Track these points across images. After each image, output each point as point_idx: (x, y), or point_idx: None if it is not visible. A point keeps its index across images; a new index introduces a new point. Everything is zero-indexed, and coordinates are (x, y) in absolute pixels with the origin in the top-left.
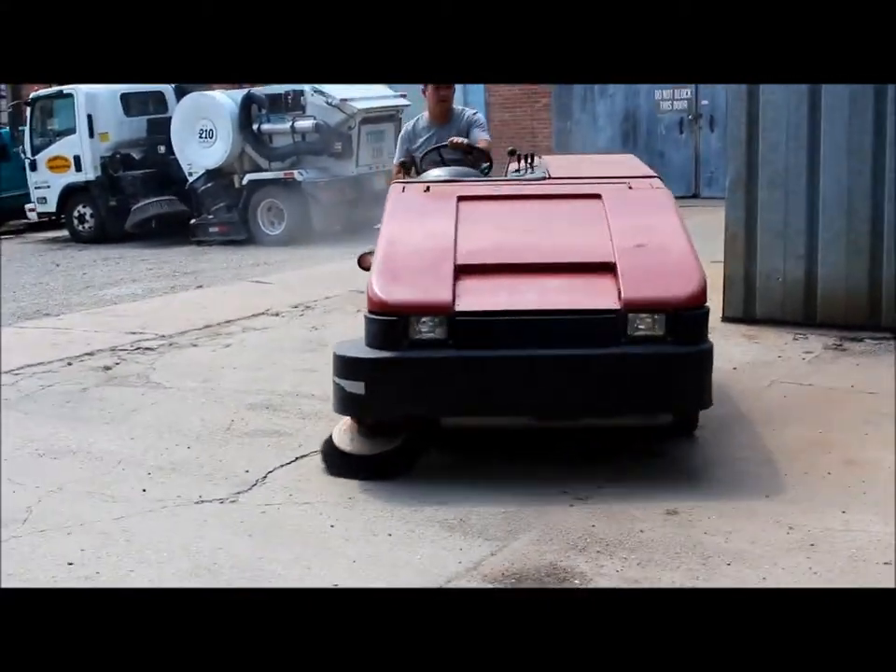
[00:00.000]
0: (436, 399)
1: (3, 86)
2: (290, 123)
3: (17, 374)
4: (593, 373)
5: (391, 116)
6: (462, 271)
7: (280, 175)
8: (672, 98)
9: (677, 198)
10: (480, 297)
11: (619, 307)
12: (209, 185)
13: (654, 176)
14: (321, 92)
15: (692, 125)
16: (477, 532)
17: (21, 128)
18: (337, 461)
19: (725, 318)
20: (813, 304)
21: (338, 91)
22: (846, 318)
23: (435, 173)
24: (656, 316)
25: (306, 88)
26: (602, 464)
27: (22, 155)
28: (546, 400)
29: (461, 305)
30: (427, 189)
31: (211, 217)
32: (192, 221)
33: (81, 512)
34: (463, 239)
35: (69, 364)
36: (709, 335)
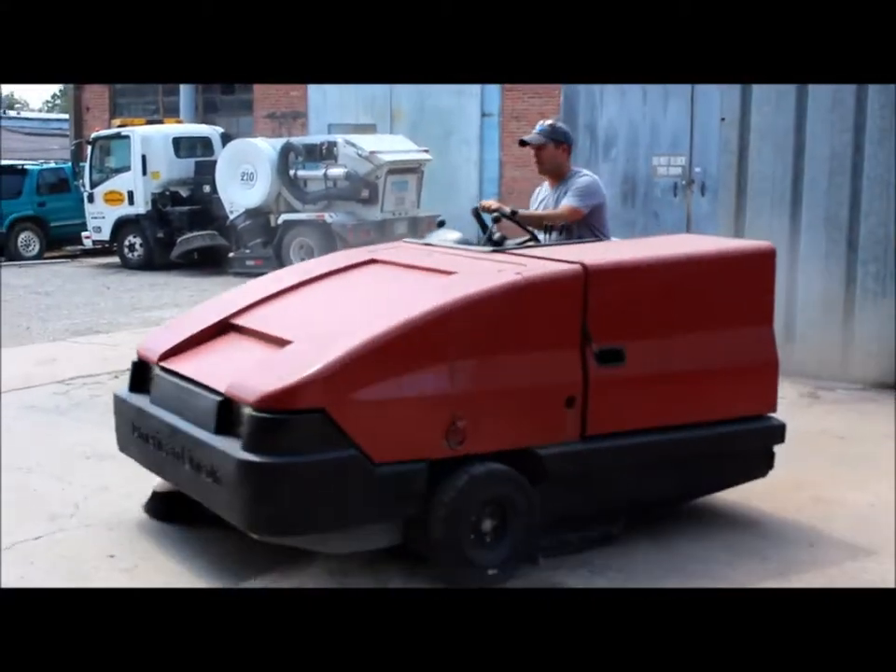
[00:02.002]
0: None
1: (66, 126)
2: (323, 170)
3: (68, 384)
4: (195, 458)
5: (414, 168)
6: (217, 331)
7: (312, 216)
8: (668, 164)
9: None
10: (182, 355)
11: (224, 393)
12: (248, 222)
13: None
14: (353, 144)
15: (685, 189)
16: None
17: (81, 164)
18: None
19: None
20: (790, 355)
21: (367, 143)
22: (819, 369)
23: (436, 236)
24: (245, 411)
25: (339, 140)
26: None
27: (81, 188)
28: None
29: (158, 359)
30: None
31: (248, 251)
32: (231, 254)
33: (122, 510)
34: (250, 303)
35: (116, 377)
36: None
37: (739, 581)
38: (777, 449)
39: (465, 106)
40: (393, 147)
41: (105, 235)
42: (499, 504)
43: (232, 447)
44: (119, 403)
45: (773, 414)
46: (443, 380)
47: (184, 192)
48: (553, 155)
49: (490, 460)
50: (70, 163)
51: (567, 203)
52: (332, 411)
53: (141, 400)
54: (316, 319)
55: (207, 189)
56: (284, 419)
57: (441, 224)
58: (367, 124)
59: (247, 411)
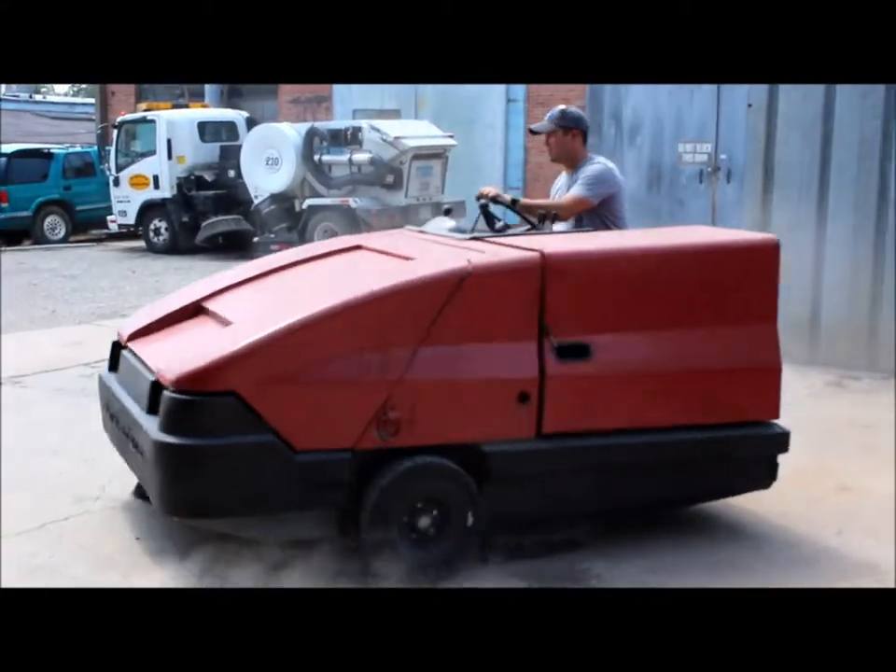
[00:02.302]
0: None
1: (92, 110)
2: (348, 156)
3: (94, 367)
4: (133, 438)
5: (439, 154)
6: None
7: (337, 201)
8: (694, 151)
9: None
10: (147, 336)
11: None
12: (272, 207)
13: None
14: (377, 129)
15: (710, 177)
16: None
17: (107, 148)
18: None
19: None
20: (816, 343)
21: (392, 128)
22: (846, 358)
23: (433, 224)
24: (164, 391)
25: (364, 125)
26: None
27: (107, 172)
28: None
29: (126, 339)
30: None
31: (272, 235)
32: (255, 239)
33: None
34: (226, 286)
35: None
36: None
37: (767, 570)
38: (804, 437)
39: (490, 92)
40: (418, 132)
41: (131, 219)
42: (437, 501)
43: (153, 427)
44: (99, 383)
45: (776, 421)
46: (374, 368)
47: (209, 177)
48: (563, 142)
49: (432, 454)
50: (96, 147)
51: (574, 192)
52: (246, 394)
53: (112, 380)
54: (268, 303)
55: (232, 173)
56: (196, 401)
57: (448, 212)
58: (391, 110)
59: (165, 391)
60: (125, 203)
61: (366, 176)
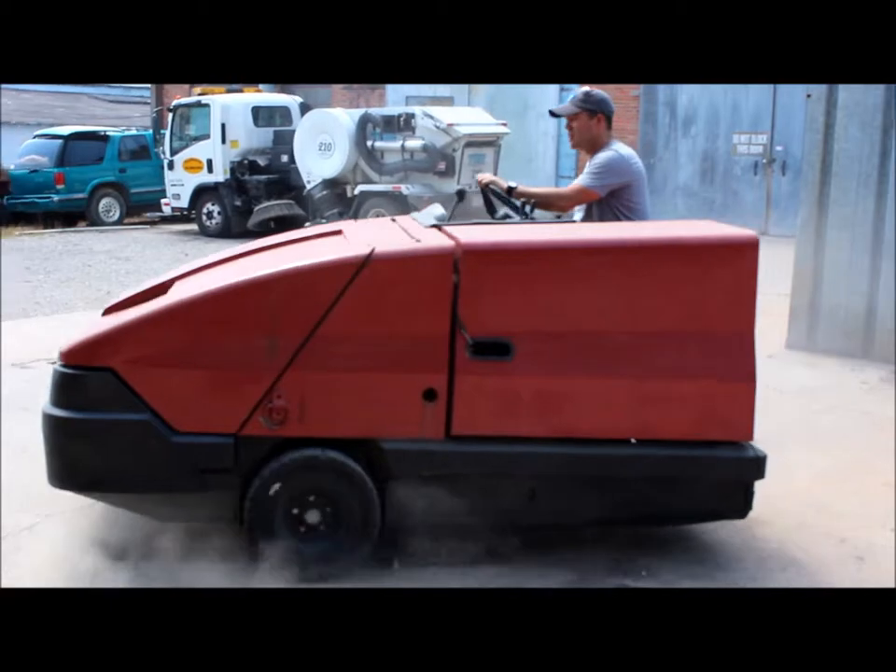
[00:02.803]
0: None
1: (148, 94)
2: (401, 142)
3: None
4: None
5: (492, 142)
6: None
7: (389, 187)
8: (749, 143)
9: None
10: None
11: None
12: (325, 192)
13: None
14: (431, 116)
15: (765, 168)
16: None
17: (161, 132)
18: None
19: (789, 346)
20: (872, 339)
21: (445, 115)
22: None
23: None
24: (54, 367)
25: (417, 112)
26: None
27: (162, 156)
28: None
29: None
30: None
31: (324, 220)
32: (307, 224)
33: None
34: (199, 267)
35: None
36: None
37: (818, 566)
38: (854, 431)
39: None
40: (471, 119)
41: (184, 202)
42: (326, 496)
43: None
44: None
45: (752, 444)
46: (259, 353)
47: (262, 161)
48: (588, 126)
49: (327, 447)
50: (151, 131)
51: (579, 181)
52: (122, 372)
53: None
54: (196, 285)
55: (285, 158)
56: (75, 374)
57: (462, 194)
58: (445, 97)
59: (54, 365)
60: (179, 186)
61: (418, 163)
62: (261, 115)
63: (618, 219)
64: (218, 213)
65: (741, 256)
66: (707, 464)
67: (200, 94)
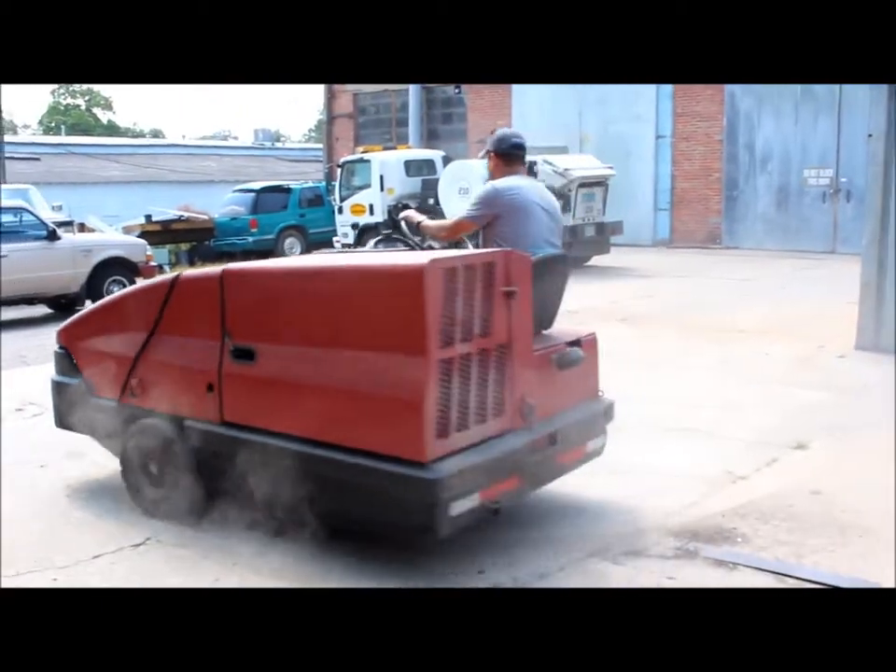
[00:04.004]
0: None
1: (320, 153)
2: None
3: None
4: None
5: (600, 182)
6: None
7: None
8: (817, 176)
9: (818, 252)
10: None
11: None
12: None
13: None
14: (549, 163)
15: (832, 197)
16: None
17: (332, 183)
18: None
19: (858, 347)
20: None
21: (561, 161)
22: None
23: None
24: None
25: (538, 159)
26: None
27: (333, 202)
28: None
29: None
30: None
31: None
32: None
33: None
34: None
35: None
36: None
37: (885, 533)
38: None
39: (642, 130)
40: (582, 164)
41: (351, 240)
42: (160, 454)
43: None
44: None
45: (435, 466)
46: (127, 344)
47: (413, 204)
48: (490, 163)
49: (161, 419)
50: (324, 183)
51: (458, 214)
52: (71, 350)
53: None
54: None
55: (431, 201)
56: (57, 353)
57: (405, 207)
58: (560, 146)
59: None
60: (346, 226)
61: None
62: (412, 167)
63: (498, 246)
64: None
65: (412, 283)
66: (395, 480)
67: (362, 152)
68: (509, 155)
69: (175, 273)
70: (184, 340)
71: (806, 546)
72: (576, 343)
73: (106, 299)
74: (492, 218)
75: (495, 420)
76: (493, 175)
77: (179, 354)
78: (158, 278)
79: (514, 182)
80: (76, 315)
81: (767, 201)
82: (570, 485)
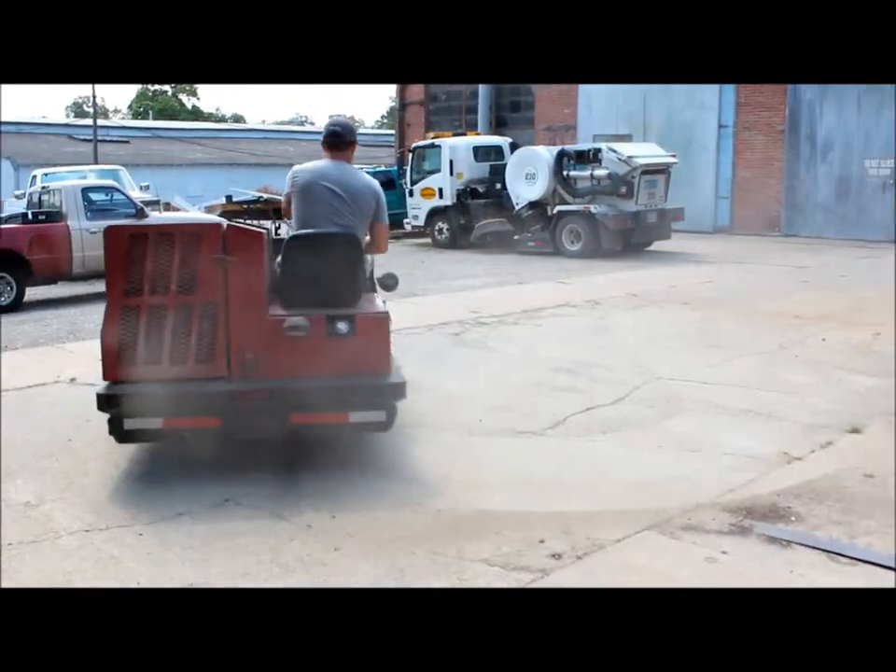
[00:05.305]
0: None
1: (392, 139)
2: (590, 171)
3: (395, 334)
4: None
5: (663, 170)
6: None
7: (580, 207)
8: (878, 166)
9: (876, 242)
10: None
11: None
12: (530, 212)
13: None
14: (614, 150)
15: (893, 187)
16: None
17: (403, 167)
18: None
19: None
20: None
21: (625, 149)
22: None
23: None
24: None
25: (603, 147)
26: None
27: (404, 186)
28: None
29: None
30: None
31: (529, 235)
32: (516, 237)
33: (437, 434)
34: None
35: (430, 329)
36: None
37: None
38: None
39: (705, 119)
40: (646, 152)
41: (421, 222)
42: None
43: None
44: None
45: None
46: None
47: (481, 189)
48: None
49: None
50: (396, 167)
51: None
52: None
53: None
54: None
55: (498, 186)
56: None
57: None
58: (624, 134)
59: None
60: (417, 209)
61: (604, 188)
62: (480, 152)
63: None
64: (447, 229)
65: (106, 242)
66: (98, 391)
67: (433, 138)
68: (326, 142)
69: None
70: None
71: (859, 527)
72: (347, 318)
73: None
74: (290, 198)
75: (199, 365)
76: None
77: None
78: None
79: (309, 165)
80: None
81: (827, 190)
82: (629, 459)
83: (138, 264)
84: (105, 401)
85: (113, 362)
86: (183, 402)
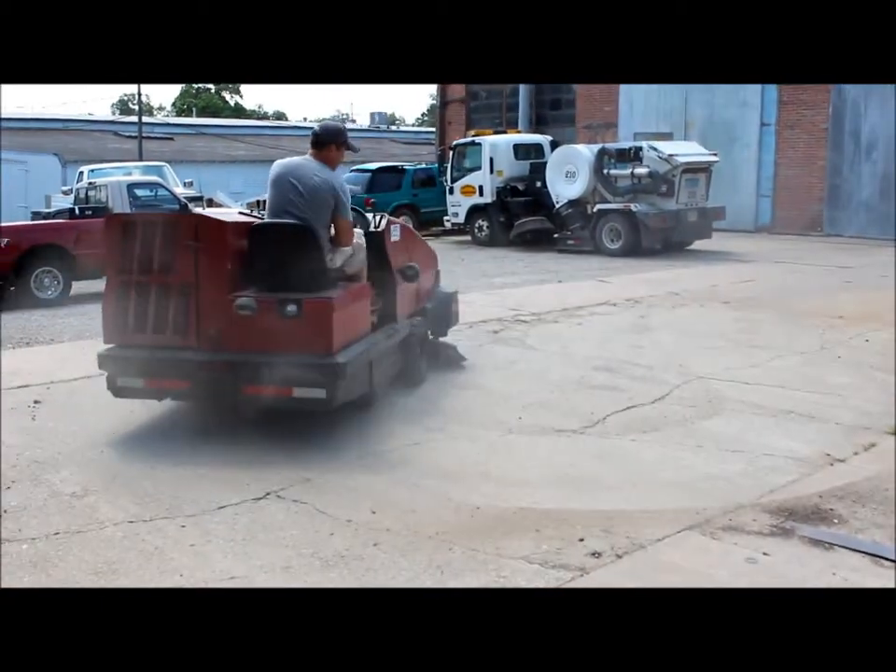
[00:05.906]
0: None
1: (433, 136)
2: (631, 170)
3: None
4: None
5: (704, 168)
6: None
7: (621, 206)
8: None
9: None
10: None
11: None
12: (570, 210)
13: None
14: (654, 148)
15: None
16: None
17: (444, 165)
18: None
19: None
20: None
21: (666, 147)
22: None
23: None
24: None
25: (643, 145)
26: None
27: (444, 183)
28: None
29: None
30: None
31: (569, 233)
32: (556, 235)
33: (476, 431)
34: None
35: (470, 327)
36: None
37: None
38: None
39: (747, 117)
40: (687, 150)
41: (461, 219)
42: None
43: None
44: None
45: None
46: None
47: (521, 186)
48: None
49: None
50: (436, 164)
51: None
52: None
53: None
54: None
55: (539, 184)
56: None
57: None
58: (665, 132)
59: None
60: (457, 206)
61: (644, 186)
62: (520, 150)
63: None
64: (487, 227)
65: (105, 230)
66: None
67: (473, 135)
68: (312, 143)
69: None
70: None
71: None
72: (296, 301)
73: None
74: None
75: (175, 336)
76: None
77: None
78: None
79: (285, 160)
80: None
81: (871, 189)
82: (669, 459)
83: (129, 248)
84: (102, 361)
85: (110, 329)
86: (161, 366)
